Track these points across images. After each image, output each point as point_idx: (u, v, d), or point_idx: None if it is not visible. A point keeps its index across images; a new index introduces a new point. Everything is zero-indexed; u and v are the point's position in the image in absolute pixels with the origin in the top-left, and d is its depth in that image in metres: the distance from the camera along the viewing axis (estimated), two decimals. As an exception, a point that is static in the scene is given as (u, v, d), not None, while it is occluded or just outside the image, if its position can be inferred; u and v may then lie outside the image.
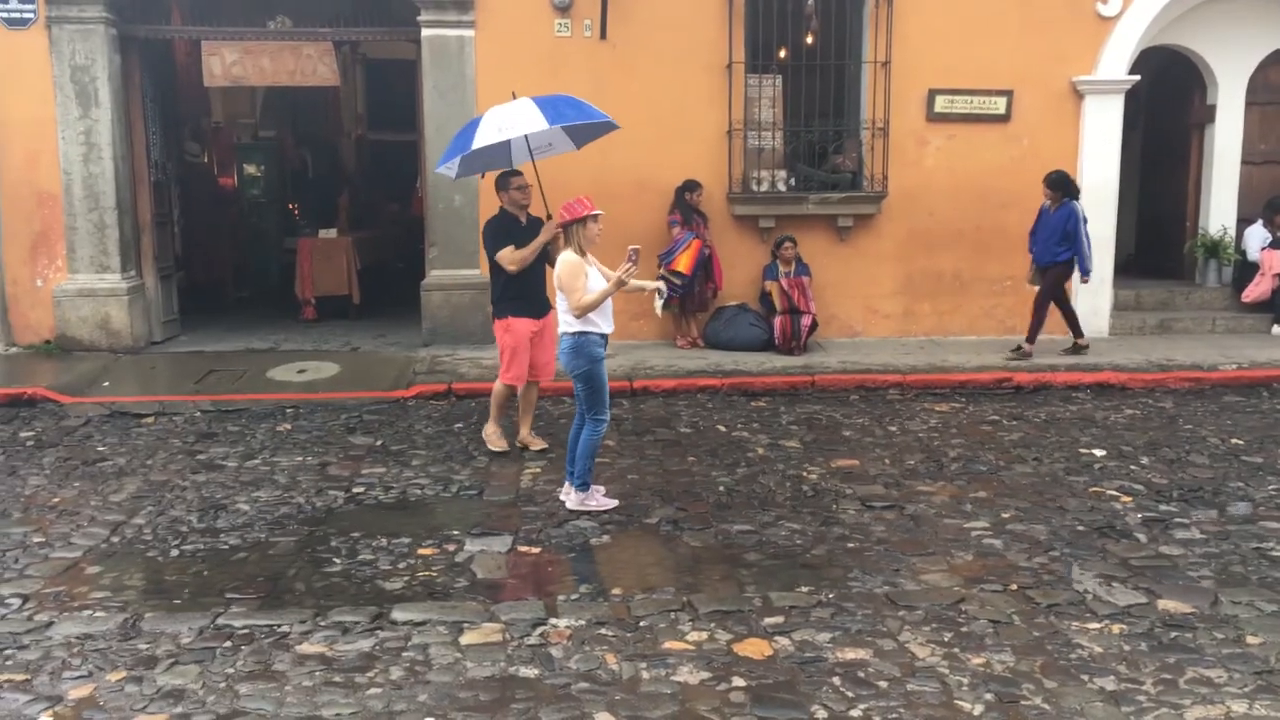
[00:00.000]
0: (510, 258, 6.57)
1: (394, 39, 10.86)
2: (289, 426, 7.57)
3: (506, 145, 6.66)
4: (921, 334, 10.40)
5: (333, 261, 11.68)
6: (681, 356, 9.48)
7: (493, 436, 6.91)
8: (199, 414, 7.90)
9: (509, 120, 6.34)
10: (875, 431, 7.38)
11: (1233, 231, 11.00)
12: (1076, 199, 9.40)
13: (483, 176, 7.62)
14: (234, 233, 13.45)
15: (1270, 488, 6.09)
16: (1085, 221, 9.30)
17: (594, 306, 5.55)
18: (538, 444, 6.90)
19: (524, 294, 6.69)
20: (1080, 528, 5.43)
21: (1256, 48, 10.87)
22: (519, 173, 6.78)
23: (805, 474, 6.38)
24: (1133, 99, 10.64)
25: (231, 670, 3.93)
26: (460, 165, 6.68)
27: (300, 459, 6.74)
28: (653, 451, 6.91)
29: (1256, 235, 10.82)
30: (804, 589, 4.66)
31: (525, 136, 6.51)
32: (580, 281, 5.55)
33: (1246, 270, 10.87)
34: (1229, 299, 11.05)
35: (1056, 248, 9.37)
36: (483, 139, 6.34)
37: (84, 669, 3.93)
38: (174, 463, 6.68)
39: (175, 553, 5.16)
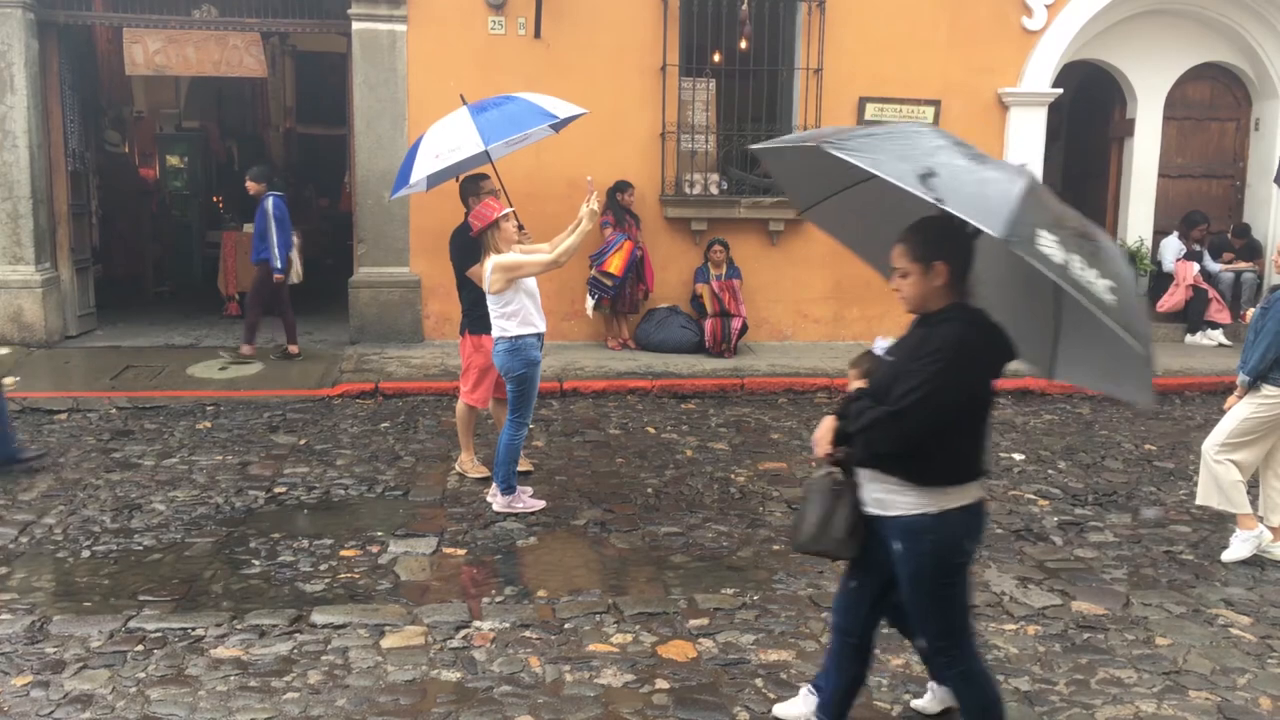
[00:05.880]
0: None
1: (324, 31, 10.69)
2: (209, 424, 7.40)
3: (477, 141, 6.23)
4: (851, 338, 10.51)
5: (258, 256, 11.43)
6: (612, 358, 9.47)
7: (470, 466, 6.30)
8: (114, 411, 7.68)
9: (445, 144, 6.14)
10: (803, 434, 7.45)
11: (1149, 243, 11.30)
12: (280, 192, 8.93)
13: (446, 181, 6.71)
14: (155, 225, 13.11)
15: (1181, 492, 6.28)
16: (278, 217, 8.73)
17: (577, 246, 5.43)
18: (479, 471, 6.31)
19: None
20: (999, 530, 5.54)
21: (1175, 64, 11.18)
22: (484, 176, 6.29)
23: (733, 476, 6.42)
24: (1055, 111, 10.90)
25: (143, 675, 3.82)
26: (428, 178, 6.37)
27: (220, 458, 6.59)
28: (581, 453, 6.89)
29: (1172, 247, 11.13)
30: (729, 591, 4.68)
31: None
32: (524, 261, 5.46)
33: (1162, 281, 11.17)
34: (1144, 308, 11.32)
35: (259, 244, 8.84)
36: (421, 169, 6.15)
37: (-14, 674, 3.80)
38: (87, 461, 6.48)
39: (87, 553, 5.01)
